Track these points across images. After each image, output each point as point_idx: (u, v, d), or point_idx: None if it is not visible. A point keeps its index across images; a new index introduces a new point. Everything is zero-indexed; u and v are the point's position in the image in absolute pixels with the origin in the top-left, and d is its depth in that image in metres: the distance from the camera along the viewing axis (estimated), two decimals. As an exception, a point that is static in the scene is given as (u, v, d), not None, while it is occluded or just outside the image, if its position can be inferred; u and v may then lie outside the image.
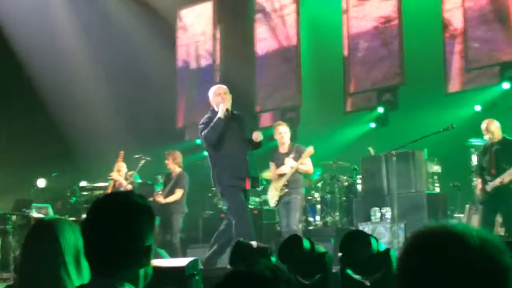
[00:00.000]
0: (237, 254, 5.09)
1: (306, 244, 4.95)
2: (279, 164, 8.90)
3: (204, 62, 14.56)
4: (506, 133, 9.25)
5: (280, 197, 8.81)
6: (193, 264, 4.46)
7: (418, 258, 1.41)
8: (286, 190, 8.73)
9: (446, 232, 1.41)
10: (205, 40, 14.54)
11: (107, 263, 2.16)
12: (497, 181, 7.89)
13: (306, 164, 8.89)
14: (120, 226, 2.16)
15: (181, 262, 4.53)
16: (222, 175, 7.64)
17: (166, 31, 14.76)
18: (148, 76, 14.49)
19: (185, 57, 14.88)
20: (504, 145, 8.15)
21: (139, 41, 14.32)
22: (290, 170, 8.72)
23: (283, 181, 8.76)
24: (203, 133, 7.74)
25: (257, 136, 7.68)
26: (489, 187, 7.97)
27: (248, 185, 7.67)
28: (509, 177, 7.86)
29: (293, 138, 12.78)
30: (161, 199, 10.11)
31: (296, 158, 8.73)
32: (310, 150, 8.73)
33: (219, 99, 7.77)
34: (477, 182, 8.21)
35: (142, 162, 10.70)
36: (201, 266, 5.87)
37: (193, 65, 14.74)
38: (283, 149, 8.99)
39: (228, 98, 7.79)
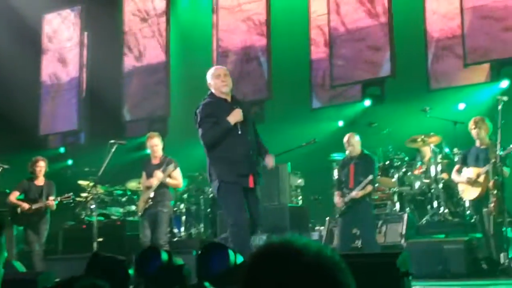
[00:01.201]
0: (93, 266, 4.93)
1: (164, 256, 4.88)
2: (149, 175, 8.76)
3: (70, 68, 14.16)
4: (365, 147, 9.62)
5: (145, 209, 8.67)
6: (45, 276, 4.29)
7: (256, 272, 1.41)
8: (151, 202, 8.60)
9: (284, 247, 1.42)
10: (71, 46, 14.15)
11: None
12: (353, 194, 8.17)
13: (175, 178, 8.80)
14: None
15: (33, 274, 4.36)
16: (220, 170, 6.43)
17: (31, 36, 14.22)
18: (11, 82, 13.88)
19: (50, 63, 14.41)
20: (362, 159, 8.44)
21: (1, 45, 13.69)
22: (156, 182, 8.61)
23: (150, 193, 8.64)
24: (200, 130, 6.50)
25: (270, 161, 6.71)
26: (346, 199, 8.23)
27: (251, 182, 6.42)
28: (362, 192, 8.15)
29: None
30: (30, 206, 9.54)
31: (165, 171, 8.65)
32: (172, 167, 8.64)
33: (219, 82, 6.50)
34: (336, 195, 8.45)
35: (-1, 170, 10.18)
36: (57, 279, 5.64)
37: (58, 70, 14.29)
38: (155, 160, 8.87)
39: (229, 81, 6.56)
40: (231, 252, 4.59)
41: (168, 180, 8.69)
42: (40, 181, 9.82)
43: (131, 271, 4.99)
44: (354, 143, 8.46)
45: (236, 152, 6.36)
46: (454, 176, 8.33)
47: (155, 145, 8.86)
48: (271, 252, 1.42)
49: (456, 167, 8.32)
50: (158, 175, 8.62)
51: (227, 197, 6.39)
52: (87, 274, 5.01)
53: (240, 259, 4.68)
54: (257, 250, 1.46)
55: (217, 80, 6.51)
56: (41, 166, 9.77)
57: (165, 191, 8.77)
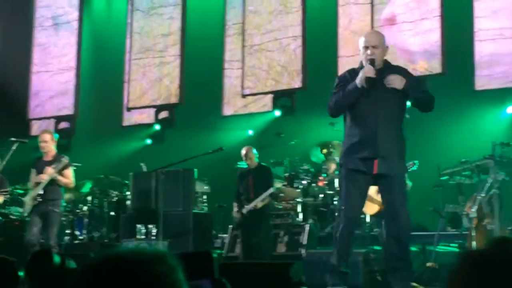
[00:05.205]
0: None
1: (56, 259, 4.77)
2: (40, 172, 8.45)
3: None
4: (272, 157, 9.73)
5: (34, 207, 8.37)
6: None
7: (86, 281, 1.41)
8: (40, 199, 8.29)
9: (117, 260, 1.41)
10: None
11: None
12: (252, 205, 8.26)
13: (67, 177, 8.53)
14: None
15: None
16: (344, 151, 5.73)
17: None
18: None
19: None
20: (260, 171, 8.57)
21: None
22: (46, 178, 8.31)
23: (39, 189, 8.33)
24: (331, 100, 5.68)
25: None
26: (245, 210, 8.30)
27: (376, 169, 5.58)
28: (261, 203, 8.26)
29: (67, 149, 12.45)
30: None
31: (57, 167, 8.38)
32: (64, 161, 8.38)
33: (362, 52, 5.61)
34: (235, 206, 8.55)
35: None
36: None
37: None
38: (47, 157, 8.59)
39: (381, 53, 5.61)
40: (56, 257, 4.52)
41: (59, 177, 8.43)
42: None
43: (21, 273, 4.86)
44: (251, 156, 8.64)
45: (364, 131, 5.64)
46: None
47: (44, 141, 8.56)
48: (103, 266, 1.41)
49: None
50: (49, 171, 8.36)
51: (340, 184, 6.03)
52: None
53: (72, 264, 4.60)
54: (88, 263, 1.44)
55: (362, 52, 5.66)
56: None
57: (56, 189, 8.43)
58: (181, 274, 1.44)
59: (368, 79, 5.48)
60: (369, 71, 5.49)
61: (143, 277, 1.37)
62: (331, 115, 5.84)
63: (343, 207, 5.72)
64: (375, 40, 5.67)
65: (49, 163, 8.44)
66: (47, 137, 8.61)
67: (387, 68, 5.68)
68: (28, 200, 8.52)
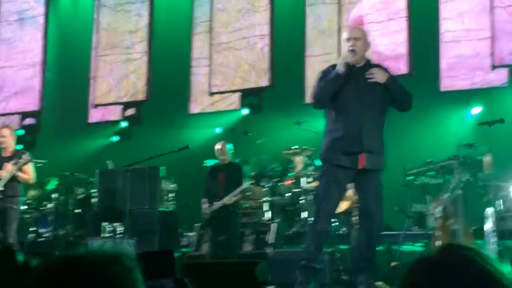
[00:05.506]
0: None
1: (20, 257, 4.71)
2: None
3: None
4: (239, 155, 9.72)
5: None
6: None
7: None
8: (1, 196, 8.16)
9: (73, 262, 1.43)
10: None
11: None
12: (224, 200, 8.24)
13: (27, 172, 8.38)
14: None
15: None
16: (326, 147, 5.72)
17: None
18: None
19: None
20: (232, 168, 8.54)
21: None
22: (5, 175, 8.17)
23: None
24: (315, 91, 5.77)
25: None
26: (215, 207, 8.29)
27: (361, 163, 5.58)
28: (232, 199, 8.25)
29: (31, 145, 12.30)
30: None
31: (17, 163, 8.24)
32: (26, 158, 8.26)
33: (344, 44, 5.74)
34: (204, 203, 8.51)
35: None
36: None
37: None
38: (5, 153, 8.44)
39: (363, 46, 5.69)
40: (20, 256, 4.48)
41: (19, 173, 8.29)
42: None
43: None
44: (226, 151, 8.58)
45: (348, 126, 5.69)
46: None
47: (3, 136, 8.43)
48: (61, 267, 1.43)
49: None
50: (9, 167, 8.22)
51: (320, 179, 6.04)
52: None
53: (35, 262, 4.56)
54: (46, 264, 1.47)
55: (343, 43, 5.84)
56: None
57: (16, 185, 8.29)
58: (138, 275, 1.45)
59: (346, 65, 5.55)
60: (346, 56, 5.60)
61: (100, 278, 1.39)
62: (315, 106, 5.86)
63: (323, 203, 5.71)
64: (358, 33, 5.80)
65: (8, 159, 8.29)
66: (5, 132, 8.47)
67: (369, 66, 5.75)
68: None
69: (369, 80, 5.56)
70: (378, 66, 5.90)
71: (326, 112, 5.81)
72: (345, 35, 5.78)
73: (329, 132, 5.73)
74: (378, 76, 5.58)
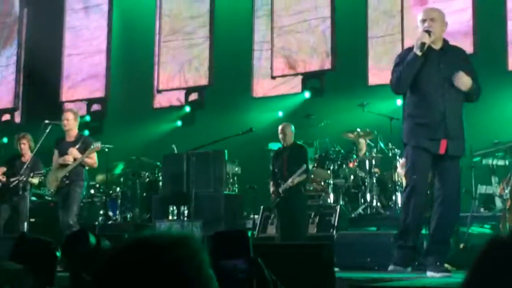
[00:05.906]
0: (19, 247, 4.86)
1: (92, 239, 4.84)
2: (63, 152, 8.35)
3: (8, 45, 13.85)
4: (302, 139, 9.71)
5: (59, 188, 8.30)
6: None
7: (113, 272, 1.43)
8: (67, 181, 8.22)
9: (140, 246, 1.44)
10: (10, 22, 13.84)
11: None
12: (288, 183, 8.27)
13: (92, 158, 8.43)
14: None
15: None
16: (409, 130, 5.68)
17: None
18: None
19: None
20: (294, 149, 8.55)
21: None
22: (73, 162, 8.32)
23: (65, 171, 8.29)
24: (393, 76, 5.68)
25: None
26: (281, 189, 8.32)
27: (443, 148, 5.57)
28: (298, 179, 8.26)
29: (99, 131, 12.59)
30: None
31: (82, 150, 8.26)
32: (97, 146, 8.33)
33: (420, 25, 5.63)
34: (271, 185, 8.55)
35: None
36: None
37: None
38: (69, 137, 8.46)
39: (439, 27, 5.61)
40: (92, 237, 4.56)
41: (85, 159, 8.32)
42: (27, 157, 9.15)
43: (58, 253, 4.94)
44: (288, 132, 8.58)
45: (430, 111, 5.64)
46: (400, 170, 8.49)
47: (66, 119, 8.42)
48: (129, 250, 1.44)
49: (402, 161, 8.44)
50: (74, 152, 8.24)
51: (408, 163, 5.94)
52: (13, 255, 4.94)
53: (107, 244, 4.65)
54: (114, 247, 1.48)
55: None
56: (25, 142, 9.19)
57: (80, 170, 8.33)
58: (206, 257, 1.46)
59: (422, 45, 5.45)
60: (422, 36, 5.47)
61: (168, 260, 1.40)
62: (395, 91, 5.82)
63: (416, 180, 5.62)
64: (434, 13, 5.69)
65: (72, 144, 8.34)
66: (69, 115, 8.45)
67: (448, 49, 5.67)
68: (52, 181, 8.40)
69: (454, 84, 5.49)
70: (457, 48, 5.82)
71: (405, 95, 5.76)
72: (420, 16, 5.68)
73: (411, 117, 5.68)
74: (463, 83, 5.51)
